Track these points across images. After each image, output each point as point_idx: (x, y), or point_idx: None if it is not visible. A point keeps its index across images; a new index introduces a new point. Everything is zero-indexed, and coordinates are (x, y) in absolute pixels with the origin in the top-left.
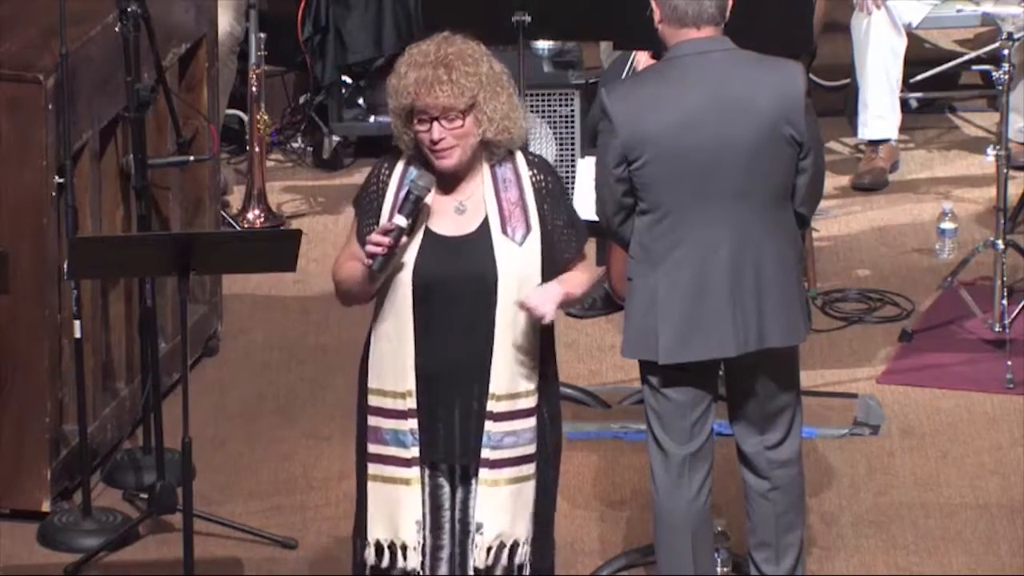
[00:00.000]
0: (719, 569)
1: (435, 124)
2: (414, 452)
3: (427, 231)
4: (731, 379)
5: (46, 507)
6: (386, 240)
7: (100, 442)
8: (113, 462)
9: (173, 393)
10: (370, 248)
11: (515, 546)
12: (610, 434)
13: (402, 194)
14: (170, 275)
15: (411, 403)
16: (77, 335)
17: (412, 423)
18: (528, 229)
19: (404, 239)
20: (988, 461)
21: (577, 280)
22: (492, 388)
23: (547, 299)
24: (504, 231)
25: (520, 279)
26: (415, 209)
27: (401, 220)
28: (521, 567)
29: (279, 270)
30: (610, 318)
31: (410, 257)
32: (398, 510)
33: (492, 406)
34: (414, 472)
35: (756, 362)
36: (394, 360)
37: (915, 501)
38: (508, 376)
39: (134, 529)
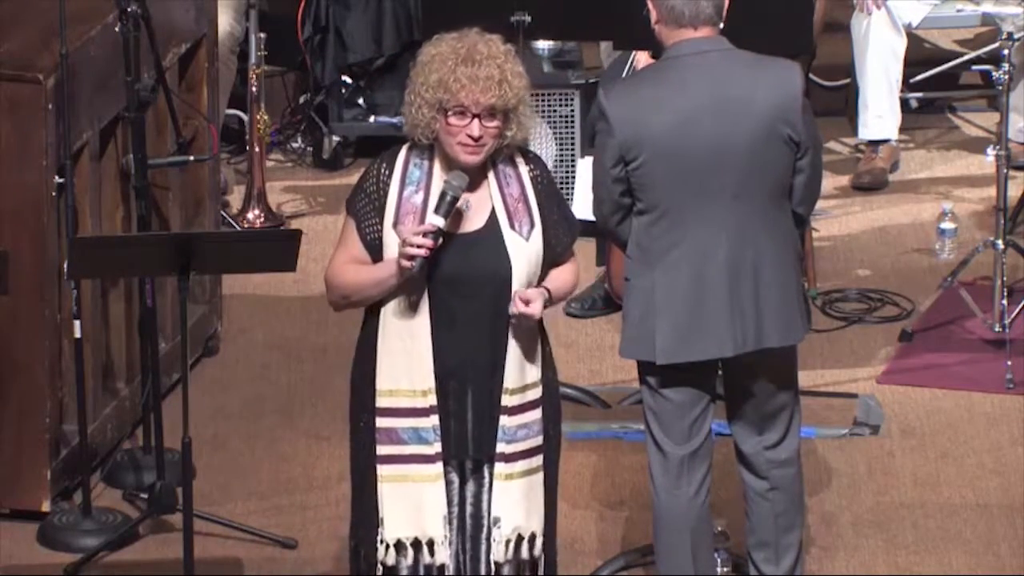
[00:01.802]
0: (719, 569)
1: (476, 121)
2: (437, 448)
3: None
4: (729, 379)
5: (46, 507)
6: (428, 243)
7: (100, 442)
8: (113, 462)
9: (173, 393)
10: (410, 251)
11: (532, 538)
12: (610, 434)
13: (418, 195)
14: (170, 275)
15: (432, 400)
16: (77, 335)
17: (434, 419)
18: (532, 224)
19: (440, 240)
20: (988, 461)
21: (561, 279)
22: (507, 382)
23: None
24: (512, 226)
25: (529, 273)
26: (451, 209)
27: (439, 220)
28: (539, 559)
29: (279, 270)
30: (610, 318)
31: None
32: (423, 507)
33: (506, 400)
34: (438, 468)
35: (754, 362)
36: (408, 358)
37: (915, 501)
38: (519, 369)
39: (134, 529)
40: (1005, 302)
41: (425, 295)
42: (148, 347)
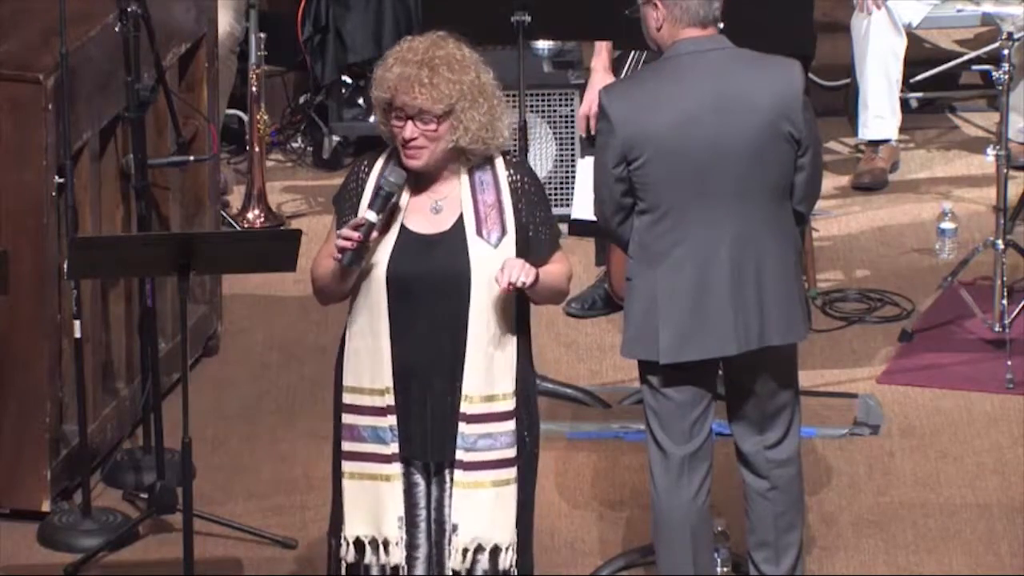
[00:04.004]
0: (719, 569)
1: (409, 123)
2: (394, 448)
3: (402, 228)
4: (730, 378)
5: (46, 507)
6: (355, 235)
7: (100, 442)
8: (113, 462)
9: (173, 393)
10: (339, 243)
11: (496, 550)
12: (610, 434)
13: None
14: (170, 275)
15: (389, 399)
16: (77, 335)
17: (391, 419)
18: (503, 232)
19: (375, 235)
20: (988, 461)
21: (550, 270)
22: (465, 389)
23: (519, 267)
24: (479, 233)
25: (493, 281)
26: (385, 205)
27: (371, 215)
28: (506, 573)
29: (279, 270)
30: (610, 318)
31: (384, 254)
32: (380, 506)
33: (465, 407)
34: (395, 468)
35: (756, 360)
36: (370, 357)
37: (915, 501)
38: (482, 377)
39: (134, 529)
40: (1005, 302)
41: (384, 294)
42: (148, 347)
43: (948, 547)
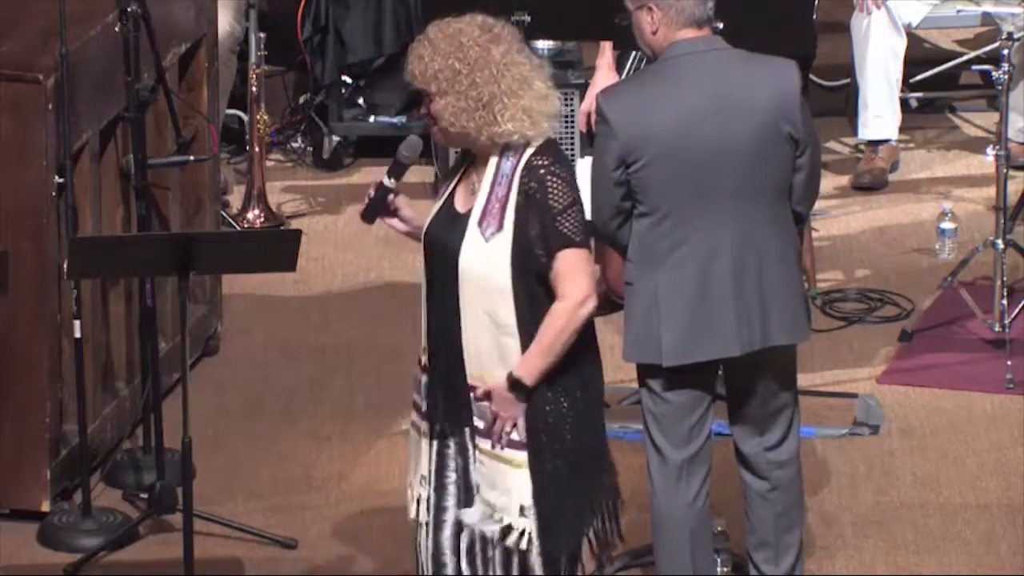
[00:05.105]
0: (719, 569)
1: (425, 98)
2: (425, 407)
3: (447, 199)
4: (731, 379)
5: (46, 507)
6: (370, 193)
7: (100, 442)
8: (113, 462)
9: (173, 393)
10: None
11: (508, 528)
12: (610, 434)
13: (455, 178)
14: (170, 275)
15: (425, 359)
16: (77, 335)
17: (425, 378)
18: (499, 228)
19: (392, 197)
20: (988, 461)
21: (537, 346)
22: (467, 365)
23: (500, 414)
24: (480, 223)
25: (480, 275)
26: (401, 172)
27: (386, 180)
28: (525, 552)
29: (279, 270)
30: (609, 318)
31: (429, 220)
32: (417, 461)
33: (472, 382)
34: (425, 424)
35: (757, 361)
36: (423, 316)
37: (915, 501)
38: (475, 361)
39: (134, 529)
40: (1005, 302)
41: (423, 258)
42: (148, 347)
43: (948, 547)
